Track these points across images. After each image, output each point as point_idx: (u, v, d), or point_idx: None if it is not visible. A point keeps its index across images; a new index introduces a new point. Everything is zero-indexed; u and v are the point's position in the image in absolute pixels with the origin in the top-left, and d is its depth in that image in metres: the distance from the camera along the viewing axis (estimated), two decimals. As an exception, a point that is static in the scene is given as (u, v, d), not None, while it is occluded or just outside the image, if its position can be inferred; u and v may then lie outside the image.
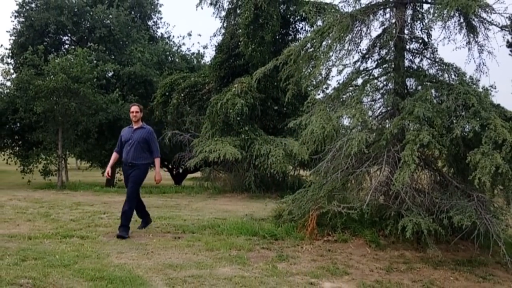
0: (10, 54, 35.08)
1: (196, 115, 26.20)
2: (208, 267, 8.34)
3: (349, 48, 11.45)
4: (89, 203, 17.32)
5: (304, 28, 25.77)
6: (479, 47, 10.71)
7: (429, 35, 11.57)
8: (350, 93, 11.36)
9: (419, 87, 11.03)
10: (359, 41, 11.58)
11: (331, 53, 11.37)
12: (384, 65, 11.69)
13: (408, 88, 11.46)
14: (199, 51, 41.34)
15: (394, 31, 10.98)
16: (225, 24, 26.46)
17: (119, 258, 8.73)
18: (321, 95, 14.38)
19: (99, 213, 14.40)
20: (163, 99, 26.96)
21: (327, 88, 15.71)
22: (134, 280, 7.29)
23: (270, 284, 7.52)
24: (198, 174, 30.88)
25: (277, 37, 24.84)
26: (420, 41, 11.65)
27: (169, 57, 38.46)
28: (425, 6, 11.57)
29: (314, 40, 11.62)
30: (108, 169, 12.66)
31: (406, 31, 11.45)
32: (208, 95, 25.27)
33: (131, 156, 11.30)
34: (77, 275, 7.45)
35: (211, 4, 25.89)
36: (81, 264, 8.15)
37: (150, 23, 42.44)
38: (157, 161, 11.68)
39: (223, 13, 26.25)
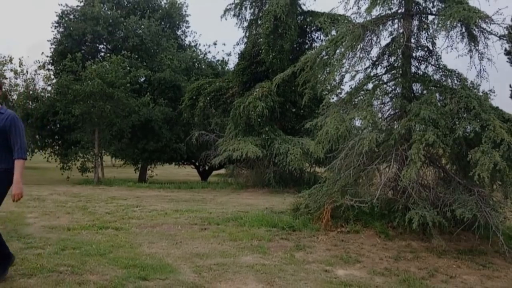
0: (51, 61, 35.35)
1: (221, 117, 26.44)
2: (232, 256, 8.43)
3: (361, 55, 11.52)
4: (123, 197, 17.45)
5: (319, 37, 25.81)
6: (479, 55, 10.73)
7: (433, 44, 11.59)
8: (362, 97, 11.42)
9: (425, 91, 11.06)
10: (369, 49, 11.64)
11: (344, 60, 11.45)
12: (393, 71, 11.73)
13: (415, 92, 11.49)
14: (223, 58, 41.35)
15: (401, 40, 11.01)
16: (247, 34, 26.60)
17: (150, 248, 8.84)
18: (335, 98, 14.38)
19: (132, 207, 14.50)
20: (191, 102, 27.11)
21: (340, 93, 15.71)
22: (164, 267, 7.39)
23: (288, 271, 7.60)
24: (222, 171, 30.99)
25: (295, 45, 24.93)
26: (426, 49, 11.68)
27: (196, 64, 38.55)
28: (430, 17, 11.61)
29: (329, 49, 11.70)
30: None
31: (412, 40, 11.47)
32: (231, 98, 25.38)
33: None
34: (112, 263, 7.55)
35: (234, 15, 26.03)
36: (116, 253, 8.26)
37: (178, 32, 42.59)
38: (18, 164, 6.56)
39: (245, 24, 26.40)
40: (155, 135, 31.86)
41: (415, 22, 11.64)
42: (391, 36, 11.82)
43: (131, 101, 28.55)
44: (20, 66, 31.53)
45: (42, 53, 39.49)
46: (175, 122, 33.02)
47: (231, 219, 12.01)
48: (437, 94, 10.44)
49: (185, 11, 42.44)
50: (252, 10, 26.10)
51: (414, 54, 11.67)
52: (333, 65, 11.53)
